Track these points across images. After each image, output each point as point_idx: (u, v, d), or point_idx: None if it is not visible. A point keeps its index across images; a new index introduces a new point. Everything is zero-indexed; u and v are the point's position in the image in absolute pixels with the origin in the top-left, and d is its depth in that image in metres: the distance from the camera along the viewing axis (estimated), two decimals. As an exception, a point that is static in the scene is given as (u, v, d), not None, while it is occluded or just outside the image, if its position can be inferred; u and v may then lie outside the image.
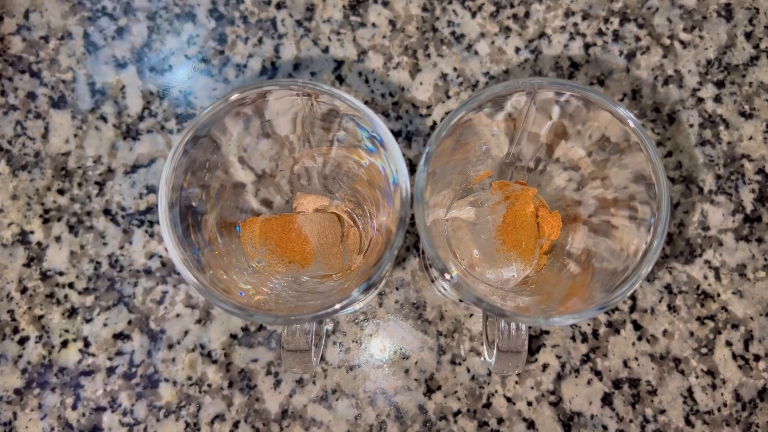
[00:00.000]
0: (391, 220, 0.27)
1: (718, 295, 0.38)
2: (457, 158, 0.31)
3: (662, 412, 0.37)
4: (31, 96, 0.40)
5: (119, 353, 0.37)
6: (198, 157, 0.28)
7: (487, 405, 0.37)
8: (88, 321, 0.37)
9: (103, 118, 0.39)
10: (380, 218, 0.31)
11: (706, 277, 0.38)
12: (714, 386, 0.37)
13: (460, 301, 0.37)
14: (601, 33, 0.40)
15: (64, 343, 0.37)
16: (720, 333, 0.37)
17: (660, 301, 0.37)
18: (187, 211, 0.28)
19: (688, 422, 0.36)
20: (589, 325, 0.37)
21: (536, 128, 0.31)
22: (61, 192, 0.38)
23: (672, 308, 0.37)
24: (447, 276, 0.25)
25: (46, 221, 0.38)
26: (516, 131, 0.32)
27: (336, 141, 0.31)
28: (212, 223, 0.30)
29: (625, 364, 0.37)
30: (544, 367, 0.37)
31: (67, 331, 0.37)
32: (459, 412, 0.37)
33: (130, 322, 0.37)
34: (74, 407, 0.36)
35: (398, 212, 0.26)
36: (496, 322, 0.29)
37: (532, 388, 0.37)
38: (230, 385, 0.37)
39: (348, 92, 0.39)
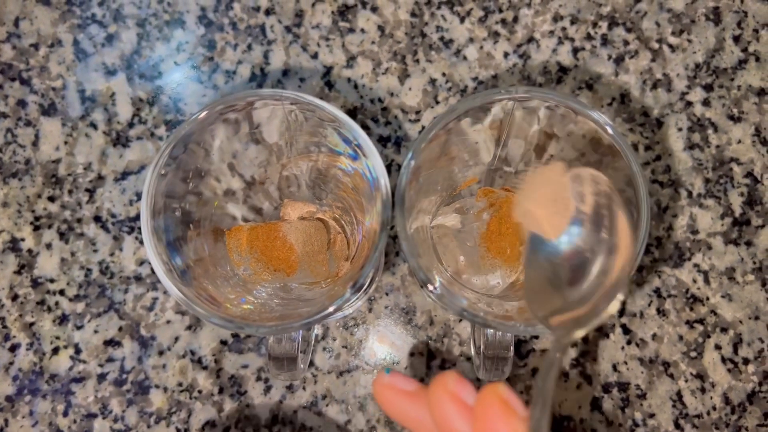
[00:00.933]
0: (375, 223, 0.27)
1: (707, 298, 0.38)
2: (442, 164, 0.31)
3: (651, 415, 0.37)
4: (21, 103, 0.40)
5: (110, 360, 0.37)
6: (184, 166, 0.29)
7: (477, 409, 0.37)
8: (78, 328, 0.37)
9: (93, 125, 0.39)
10: (366, 224, 0.31)
11: (695, 281, 0.38)
12: (703, 390, 0.37)
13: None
14: (589, 37, 0.40)
15: (55, 350, 0.37)
16: (709, 336, 0.37)
17: (649, 305, 0.38)
18: (172, 220, 0.28)
19: (677, 426, 0.36)
20: (578, 329, 0.37)
21: (523, 132, 0.31)
22: (51, 199, 0.39)
23: (661, 312, 0.37)
24: (430, 287, 0.25)
25: (36, 228, 0.38)
26: (502, 136, 0.32)
27: (320, 148, 0.31)
28: (198, 232, 0.30)
29: (615, 368, 0.37)
30: (533, 371, 0.37)
31: (58, 338, 0.37)
32: (449, 416, 0.37)
33: (120, 329, 0.37)
34: (65, 414, 0.37)
35: (381, 215, 0.26)
36: (482, 328, 0.30)
37: (522, 392, 0.37)
38: (220, 391, 0.37)
39: (337, 98, 0.39)
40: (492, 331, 0.29)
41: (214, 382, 0.37)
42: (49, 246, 0.38)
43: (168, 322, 0.37)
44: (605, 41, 0.40)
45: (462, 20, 0.40)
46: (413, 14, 0.40)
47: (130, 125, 0.39)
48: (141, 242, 0.38)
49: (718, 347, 0.37)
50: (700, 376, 0.37)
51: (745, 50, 0.40)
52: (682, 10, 0.40)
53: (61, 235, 0.38)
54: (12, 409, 0.37)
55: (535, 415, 0.21)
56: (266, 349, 0.37)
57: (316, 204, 0.35)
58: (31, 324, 0.37)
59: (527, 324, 0.26)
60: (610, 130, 0.26)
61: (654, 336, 0.37)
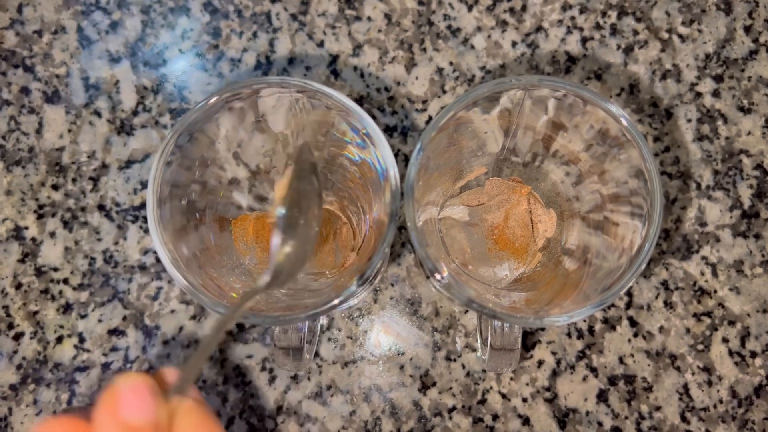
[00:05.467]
0: (383, 214, 0.27)
1: (715, 291, 0.37)
2: (450, 154, 0.31)
3: (658, 408, 0.36)
4: (25, 91, 0.39)
5: (114, 349, 0.37)
6: (189, 154, 0.28)
7: (482, 401, 0.37)
8: (82, 317, 0.37)
9: (97, 113, 0.39)
10: (373, 214, 0.30)
11: (702, 274, 0.37)
12: (710, 383, 0.37)
13: (455, 297, 0.37)
14: (598, 27, 0.40)
15: (59, 339, 0.37)
16: (716, 329, 0.37)
17: (656, 298, 0.37)
18: (178, 209, 0.28)
19: (683, 419, 0.36)
20: (584, 321, 0.37)
21: (532, 122, 0.31)
22: (55, 187, 0.38)
23: (668, 304, 0.37)
24: (437, 276, 0.25)
25: (40, 217, 0.38)
26: (511, 125, 0.31)
27: (328, 137, 0.31)
28: (204, 221, 0.29)
29: (621, 360, 0.37)
30: (540, 363, 0.37)
31: (62, 326, 0.37)
32: (454, 408, 0.37)
33: (124, 318, 0.37)
34: (69, 403, 0.36)
35: (389, 206, 0.26)
36: (489, 319, 0.29)
37: (528, 384, 0.37)
38: (225, 381, 0.37)
39: (343, 87, 0.39)
40: (499, 323, 0.29)
41: (218, 372, 0.37)
42: (52, 234, 0.38)
43: (172, 311, 0.37)
44: (614, 31, 0.40)
45: (470, 9, 0.40)
46: (420, 2, 0.40)
47: (135, 113, 0.39)
48: (145, 231, 0.38)
49: (725, 340, 0.37)
50: (707, 369, 0.37)
51: (756, 41, 0.40)
52: (693, -1, 0.40)
53: (65, 224, 0.38)
54: (16, 397, 0.37)
55: (183, 375, 0.20)
56: (272, 339, 0.37)
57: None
58: (35, 313, 0.37)
59: (536, 316, 0.25)
60: (624, 122, 0.26)
61: (661, 329, 0.37)
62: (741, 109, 0.39)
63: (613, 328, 0.37)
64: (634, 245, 0.27)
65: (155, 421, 0.19)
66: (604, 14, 0.40)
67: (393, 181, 0.26)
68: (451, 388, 0.37)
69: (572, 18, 0.40)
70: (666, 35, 0.40)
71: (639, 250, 0.26)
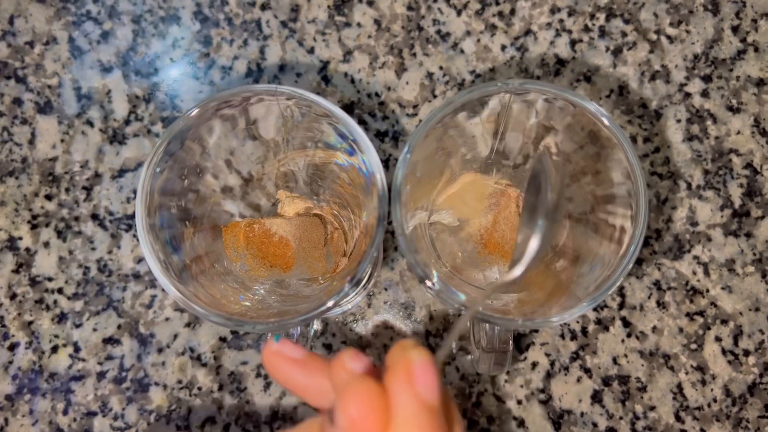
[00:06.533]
0: (372, 218, 0.27)
1: (707, 290, 0.37)
2: (439, 158, 0.31)
3: (652, 408, 0.37)
4: (17, 102, 0.40)
5: (109, 358, 0.37)
6: (180, 163, 0.28)
7: (477, 404, 0.37)
8: (77, 326, 0.37)
9: (90, 123, 0.39)
10: (363, 219, 0.31)
11: (695, 273, 0.38)
12: (704, 382, 0.37)
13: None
14: (587, 29, 0.40)
15: (54, 349, 0.37)
16: (709, 329, 0.37)
17: (649, 298, 0.37)
18: (169, 218, 0.28)
19: (678, 418, 0.36)
20: (578, 322, 0.37)
21: (520, 125, 0.31)
22: (48, 197, 0.39)
23: (661, 304, 0.37)
24: (428, 283, 0.25)
25: (34, 227, 0.38)
26: (499, 129, 0.31)
27: (317, 144, 0.31)
28: (195, 229, 0.30)
29: (615, 361, 0.37)
30: (534, 365, 0.37)
31: (56, 336, 0.37)
32: (449, 411, 0.37)
33: (119, 327, 0.37)
34: (65, 412, 0.37)
35: (377, 209, 0.26)
36: (481, 322, 0.29)
37: (522, 386, 0.37)
38: (220, 387, 0.37)
39: (334, 93, 0.39)
40: (490, 325, 0.29)
41: (213, 379, 0.37)
42: (46, 244, 0.38)
43: (167, 319, 0.37)
44: (603, 33, 0.40)
45: (459, 13, 0.40)
46: (410, 7, 0.40)
47: (127, 122, 0.39)
48: (139, 240, 0.38)
49: (718, 339, 0.37)
50: (701, 369, 0.37)
51: (743, 40, 0.40)
52: (680, 0, 0.40)
53: (59, 234, 0.38)
54: (12, 408, 0.37)
55: (439, 357, 0.21)
56: (265, 345, 0.37)
57: (314, 200, 0.35)
58: (30, 323, 0.37)
59: (525, 318, 0.25)
60: (606, 122, 0.26)
61: (654, 328, 0.37)
62: (730, 108, 0.39)
63: (607, 328, 0.37)
64: (623, 245, 0.27)
65: (439, 401, 0.20)
66: (592, 17, 0.40)
67: (380, 186, 0.26)
68: (445, 391, 0.37)
69: (561, 21, 0.40)
70: (654, 36, 0.40)
71: (626, 250, 0.26)
